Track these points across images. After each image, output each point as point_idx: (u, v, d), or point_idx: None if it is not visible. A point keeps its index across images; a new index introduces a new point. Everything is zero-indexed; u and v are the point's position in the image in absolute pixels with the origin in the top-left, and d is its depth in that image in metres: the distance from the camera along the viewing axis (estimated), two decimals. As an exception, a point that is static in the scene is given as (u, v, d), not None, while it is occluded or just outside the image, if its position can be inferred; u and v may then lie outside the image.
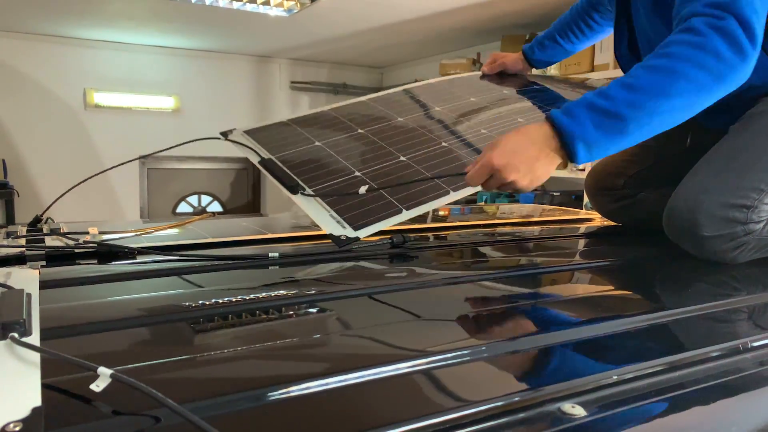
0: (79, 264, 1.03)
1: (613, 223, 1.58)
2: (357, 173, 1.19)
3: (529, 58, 1.68)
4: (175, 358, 0.60)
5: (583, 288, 1.02)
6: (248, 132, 1.37)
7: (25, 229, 1.32)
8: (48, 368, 0.51)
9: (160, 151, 1.53)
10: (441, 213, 1.80)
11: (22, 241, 1.15)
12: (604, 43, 3.01)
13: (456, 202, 1.22)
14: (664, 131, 0.98)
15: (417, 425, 0.46)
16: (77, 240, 1.12)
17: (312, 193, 1.14)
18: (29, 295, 0.67)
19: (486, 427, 0.48)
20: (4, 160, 4.56)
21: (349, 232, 1.05)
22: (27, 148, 4.75)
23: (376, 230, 1.06)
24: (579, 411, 0.50)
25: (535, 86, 1.65)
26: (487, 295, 0.93)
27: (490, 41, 4.49)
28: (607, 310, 0.88)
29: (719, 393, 0.59)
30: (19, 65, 4.63)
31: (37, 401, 0.45)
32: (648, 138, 0.98)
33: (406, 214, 1.10)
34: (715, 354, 0.65)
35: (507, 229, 1.54)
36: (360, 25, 4.13)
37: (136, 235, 1.27)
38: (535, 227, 1.63)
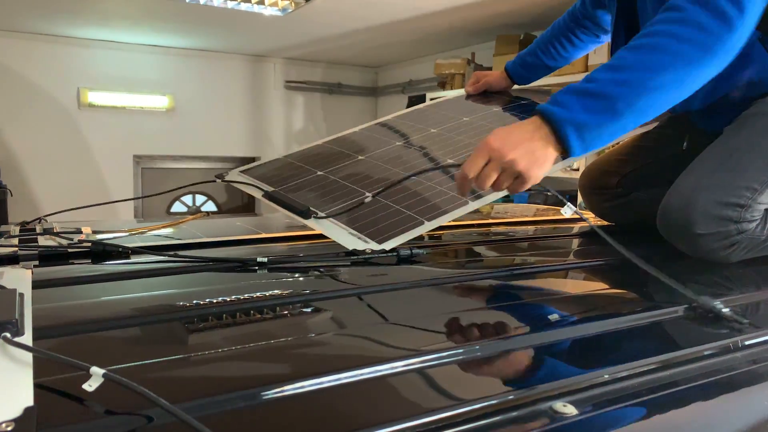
0: (73, 264, 1.02)
1: (606, 223, 1.59)
2: (368, 194, 1.19)
3: (513, 75, 1.67)
4: (167, 358, 0.60)
5: (576, 287, 1.02)
6: (245, 171, 1.38)
7: (18, 228, 1.32)
8: (40, 368, 0.50)
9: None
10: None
11: (15, 241, 1.14)
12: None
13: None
14: (657, 134, 0.97)
15: (411, 423, 0.46)
16: (71, 239, 1.12)
17: (324, 215, 1.13)
18: (22, 295, 0.67)
19: (478, 425, 0.48)
20: (-4, 160, 4.54)
21: (374, 246, 1.04)
22: (20, 147, 4.73)
23: (401, 242, 1.05)
24: (570, 410, 0.50)
25: (522, 101, 1.65)
26: (481, 295, 0.93)
27: (485, 41, 4.49)
28: (599, 309, 0.88)
29: (712, 391, 0.60)
30: (12, 64, 4.61)
31: (30, 401, 0.44)
32: (647, 120, 0.95)
33: (429, 225, 1.09)
34: (707, 353, 0.66)
35: (501, 228, 1.55)
36: (355, 24, 4.13)
37: (130, 234, 1.26)
38: (529, 227, 1.63)
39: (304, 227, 1.18)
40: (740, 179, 1.06)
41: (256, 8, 3.63)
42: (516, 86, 1.72)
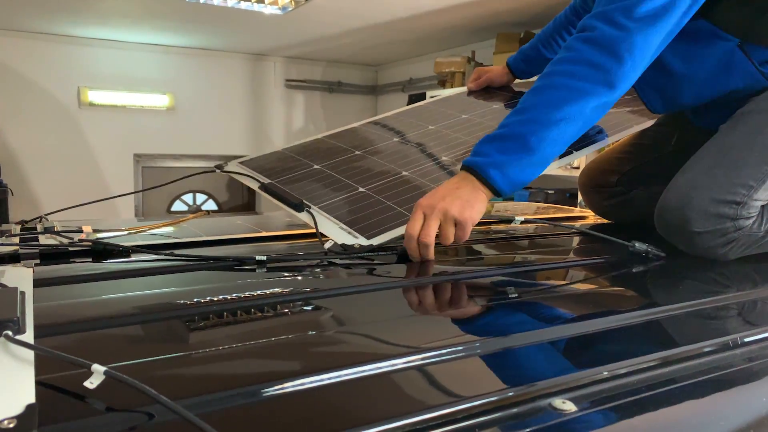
0: (74, 262, 1.02)
1: (606, 221, 1.59)
2: (361, 189, 1.20)
3: (514, 69, 1.68)
4: (168, 356, 0.60)
5: (576, 285, 1.03)
6: (243, 162, 1.39)
7: (18, 227, 1.32)
8: (42, 365, 0.51)
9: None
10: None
11: (16, 240, 1.15)
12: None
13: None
14: (655, 132, 0.98)
15: (411, 420, 0.47)
16: (71, 238, 1.12)
17: (317, 209, 1.15)
18: (23, 293, 0.67)
19: (478, 422, 0.48)
20: (-3, 159, 4.55)
21: (362, 241, 1.05)
22: (20, 146, 4.73)
23: (389, 238, 1.06)
24: (570, 406, 0.50)
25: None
26: (480, 292, 0.93)
27: (485, 39, 4.49)
28: (598, 306, 0.88)
29: (710, 388, 0.60)
30: (13, 63, 4.61)
31: (31, 398, 0.45)
32: (565, 149, 1.05)
33: None
34: (706, 350, 0.66)
35: (501, 227, 1.55)
36: (355, 23, 4.13)
37: (131, 233, 1.26)
38: (529, 225, 1.63)
39: (304, 226, 1.18)
40: (736, 176, 1.07)
41: (256, 7, 3.63)
42: (518, 81, 1.72)
